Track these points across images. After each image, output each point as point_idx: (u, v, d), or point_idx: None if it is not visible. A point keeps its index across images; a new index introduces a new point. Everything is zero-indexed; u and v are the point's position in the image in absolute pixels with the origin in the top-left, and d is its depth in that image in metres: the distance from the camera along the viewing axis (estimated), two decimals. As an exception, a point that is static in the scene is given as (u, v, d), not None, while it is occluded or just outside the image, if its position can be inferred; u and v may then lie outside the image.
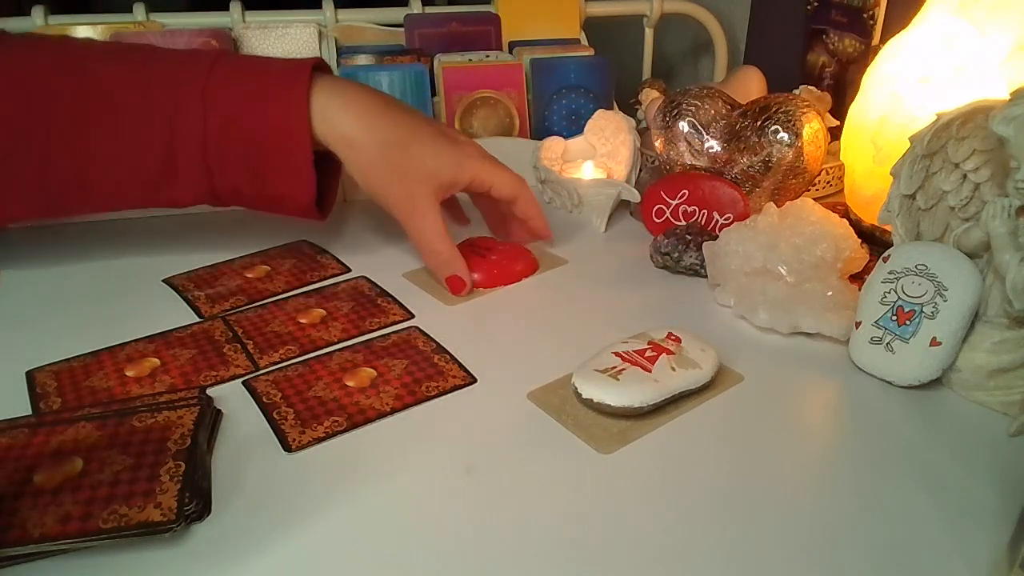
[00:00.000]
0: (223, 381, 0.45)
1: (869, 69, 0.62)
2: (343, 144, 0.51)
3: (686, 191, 0.61)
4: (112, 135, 0.49)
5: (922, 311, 0.44)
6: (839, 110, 0.67)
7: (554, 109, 0.82)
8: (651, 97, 0.74)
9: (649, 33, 1.07)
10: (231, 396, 0.44)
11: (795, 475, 0.38)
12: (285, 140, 0.50)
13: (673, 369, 0.42)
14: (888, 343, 0.45)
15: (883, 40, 0.72)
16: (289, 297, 0.55)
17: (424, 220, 0.53)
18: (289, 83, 0.50)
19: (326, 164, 0.54)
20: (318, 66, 0.52)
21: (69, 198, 0.51)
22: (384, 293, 0.55)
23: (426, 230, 0.54)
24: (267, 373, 0.46)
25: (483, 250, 0.58)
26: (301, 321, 0.51)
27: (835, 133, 0.64)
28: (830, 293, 0.50)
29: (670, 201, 0.62)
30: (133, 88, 0.50)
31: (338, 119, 0.50)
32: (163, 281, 0.57)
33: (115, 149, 0.50)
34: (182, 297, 0.54)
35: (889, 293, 0.45)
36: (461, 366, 0.46)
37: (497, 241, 0.60)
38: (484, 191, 0.56)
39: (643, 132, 0.74)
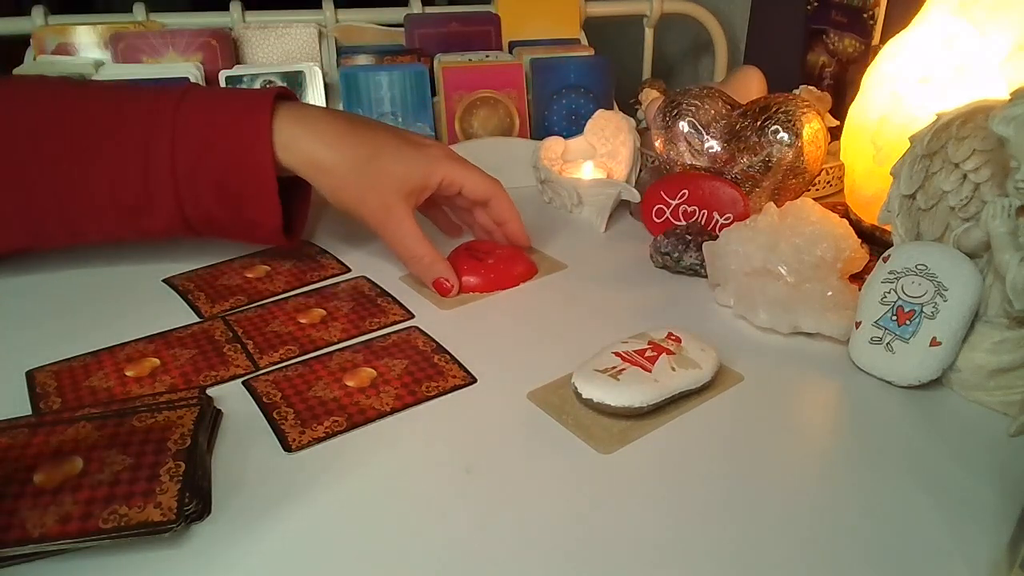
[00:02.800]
0: (223, 381, 0.45)
1: (869, 69, 0.62)
2: (312, 168, 0.52)
3: (686, 191, 0.61)
4: (91, 166, 0.51)
5: (922, 311, 0.44)
6: (839, 110, 0.67)
7: (554, 109, 0.82)
8: (651, 97, 0.74)
9: (649, 33, 1.07)
10: (231, 396, 0.44)
11: (795, 475, 0.38)
12: (250, 169, 0.51)
13: (673, 369, 0.42)
14: (888, 343, 0.45)
15: (883, 40, 0.72)
16: (289, 297, 0.55)
17: (400, 226, 0.54)
18: (251, 114, 0.51)
19: (295, 189, 0.55)
20: (283, 95, 0.53)
21: (52, 228, 0.53)
22: (384, 293, 0.55)
23: (404, 236, 0.54)
24: (267, 373, 0.46)
25: (481, 254, 0.57)
26: (301, 321, 0.51)
27: (835, 133, 0.64)
28: (830, 293, 0.50)
29: (670, 201, 0.62)
30: (109, 121, 0.51)
31: (304, 146, 0.51)
32: (163, 281, 0.57)
33: (94, 179, 0.51)
34: (182, 297, 0.54)
35: (889, 293, 0.45)
36: (461, 366, 0.46)
37: (495, 245, 0.59)
38: (455, 192, 0.56)
39: (643, 132, 0.74)
